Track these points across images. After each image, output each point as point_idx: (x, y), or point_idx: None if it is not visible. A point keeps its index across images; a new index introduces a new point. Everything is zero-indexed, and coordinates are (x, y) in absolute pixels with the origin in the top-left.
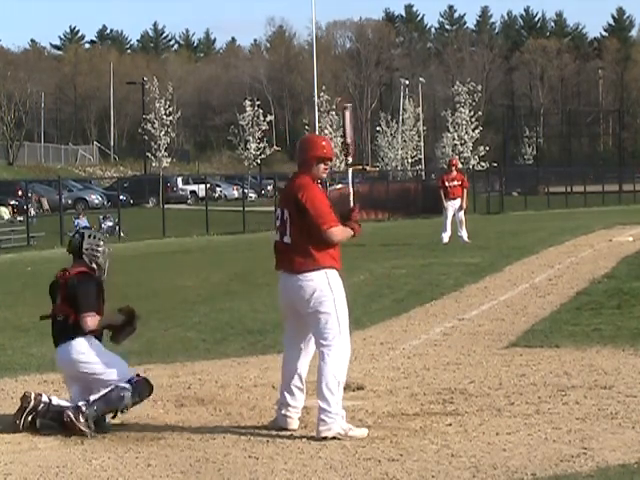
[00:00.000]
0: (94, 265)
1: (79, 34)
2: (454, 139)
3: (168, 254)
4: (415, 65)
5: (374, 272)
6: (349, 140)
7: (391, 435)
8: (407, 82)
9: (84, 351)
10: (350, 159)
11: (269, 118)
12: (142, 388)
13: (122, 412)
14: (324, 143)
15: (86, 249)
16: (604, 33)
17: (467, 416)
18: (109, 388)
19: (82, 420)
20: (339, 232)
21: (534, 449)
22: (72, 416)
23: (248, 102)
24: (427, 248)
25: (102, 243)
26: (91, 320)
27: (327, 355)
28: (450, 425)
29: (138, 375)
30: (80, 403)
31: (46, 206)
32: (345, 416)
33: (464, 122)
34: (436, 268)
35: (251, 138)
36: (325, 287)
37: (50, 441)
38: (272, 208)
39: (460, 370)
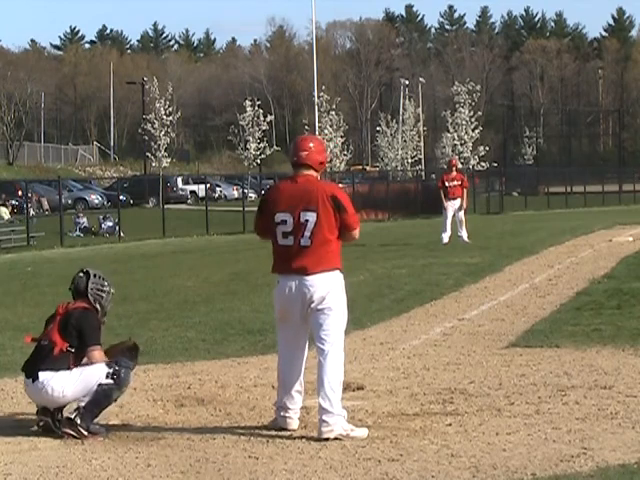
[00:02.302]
0: (97, 305)
1: (79, 34)
2: (454, 139)
3: (168, 254)
4: (415, 65)
5: (374, 272)
6: None
7: (391, 435)
8: (407, 82)
9: (62, 388)
10: None
11: (269, 118)
12: (123, 377)
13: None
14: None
15: (91, 289)
16: (604, 33)
17: (467, 416)
18: (94, 390)
19: (84, 433)
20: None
21: (534, 449)
22: (72, 432)
23: (248, 102)
24: (427, 248)
25: (107, 283)
26: (99, 354)
27: (330, 354)
28: (450, 425)
29: (116, 362)
30: (71, 415)
31: (46, 206)
32: (346, 416)
33: (464, 122)
34: (436, 268)
35: (251, 138)
36: (339, 287)
37: (50, 441)
38: None
39: (460, 370)
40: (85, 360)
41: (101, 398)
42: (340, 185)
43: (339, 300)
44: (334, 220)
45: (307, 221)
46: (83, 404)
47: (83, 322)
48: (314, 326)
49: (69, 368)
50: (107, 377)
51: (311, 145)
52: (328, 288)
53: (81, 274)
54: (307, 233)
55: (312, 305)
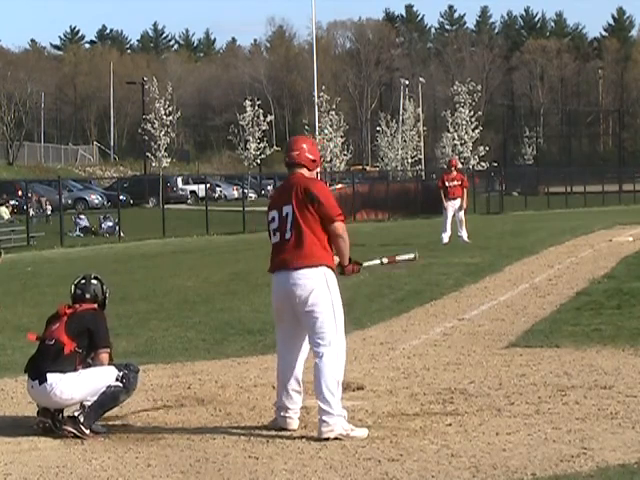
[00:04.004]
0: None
1: (79, 34)
2: (454, 139)
3: (168, 254)
4: (415, 65)
5: (374, 272)
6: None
7: (391, 435)
8: (407, 82)
9: (71, 390)
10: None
11: (269, 118)
12: (132, 381)
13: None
14: None
15: (105, 297)
16: (604, 33)
17: (467, 416)
18: (102, 391)
19: (86, 431)
20: (345, 228)
21: (534, 449)
22: (74, 431)
23: (248, 102)
24: (427, 248)
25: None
26: (106, 357)
27: (325, 355)
28: (450, 425)
29: (125, 366)
30: (76, 413)
31: (46, 206)
32: (346, 416)
33: (464, 122)
34: (436, 268)
35: (251, 138)
36: (323, 286)
37: (50, 441)
38: None
39: (460, 370)
40: (89, 360)
41: (108, 400)
42: (340, 185)
43: (325, 298)
44: (309, 213)
45: (287, 215)
46: (89, 403)
47: (97, 324)
48: (307, 329)
49: (75, 369)
50: (116, 380)
51: (304, 146)
52: (311, 286)
53: (95, 281)
54: (288, 226)
55: (298, 302)
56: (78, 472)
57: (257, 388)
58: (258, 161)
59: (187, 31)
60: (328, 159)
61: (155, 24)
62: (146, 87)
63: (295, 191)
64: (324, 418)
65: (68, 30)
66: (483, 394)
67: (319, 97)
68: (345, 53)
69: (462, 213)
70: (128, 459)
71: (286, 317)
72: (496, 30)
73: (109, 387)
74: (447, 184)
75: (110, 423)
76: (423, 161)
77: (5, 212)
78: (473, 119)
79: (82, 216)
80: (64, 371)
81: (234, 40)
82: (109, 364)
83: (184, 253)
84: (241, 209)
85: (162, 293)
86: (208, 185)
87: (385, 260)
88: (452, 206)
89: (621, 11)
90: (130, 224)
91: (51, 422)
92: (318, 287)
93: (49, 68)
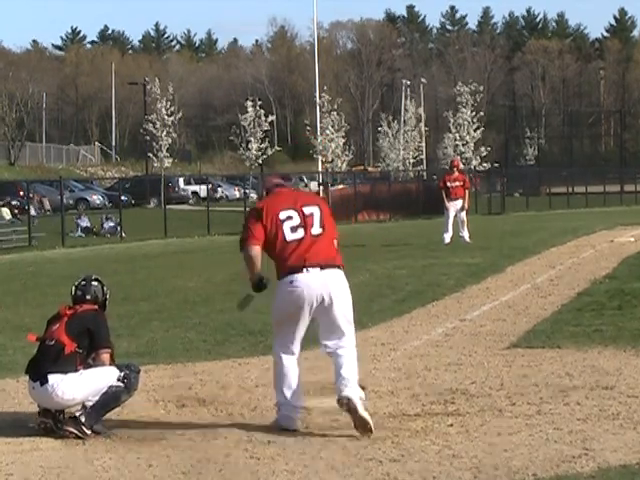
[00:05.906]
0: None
1: (81, 34)
2: (456, 139)
3: (169, 254)
4: (417, 65)
5: (375, 272)
6: None
7: (392, 436)
8: (409, 83)
9: (73, 391)
10: None
11: (271, 118)
12: (133, 381)
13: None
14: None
15: (106, 298)
16: (606, 34)
17: (468, 417)
18: (103, 392)
19: (87, 431)
20: None
21: (535, 450)
22: (76, 431)
23: (250, 102)
24: (428, 248)
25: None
26: (107, 358)
27: (353, 351)
28: (451, 426)
29: (126, 366)
30: (77, 413)
31: (47, 206)
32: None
33: (466, 122)
34: (437, 268)
35: (253, 138)
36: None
37: (52, 442)
38: None
39: (461, 371)
40: (89, 361)
41: (110, 400)
42: (341, 186)
43: (350, 297)
44: (331, 218)
45: (312, 214)
46: (90, 404)
47: (97, 324)
48: (333, 326)
49: (76, 370)
50: (118, 380)
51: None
52: (347, 285)
53: (95, 282)
54: (316, 222)
55: (337, 301)
56: (80, 472)
57: (258, 389)
58: (260, 161)
59: (189, 31)
60: (330, 159)
61: (157, 24)
62: (148, 87)
63: (318, 198)
64: (362, 396)
65: (70, 30)
66: (484, 395)
67: (320, 97)
68: (346, 53)
69: (464, 213)
70: (129, 459)
71: (303, 315)
72: (498, 30)
73: (110, 387)
74: (449, 184)
75: (111, 423)
76: (425, 161)
77: (6, 212)
78: (475, 119)
79: (82, 215)
80: (65, 372)
81: (236, 40)
82: (110, 365)
83: (186, 253)
84: (243, 209)
85: (164, 293)
86: (210, 185)
87: None
88: (454, 206)
89: (623, 12)
90: (132, 224)
91: (52, 422)
92: (346, 284)
93: (51, 68)
